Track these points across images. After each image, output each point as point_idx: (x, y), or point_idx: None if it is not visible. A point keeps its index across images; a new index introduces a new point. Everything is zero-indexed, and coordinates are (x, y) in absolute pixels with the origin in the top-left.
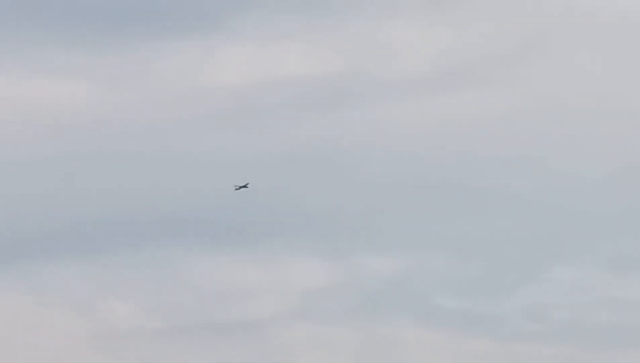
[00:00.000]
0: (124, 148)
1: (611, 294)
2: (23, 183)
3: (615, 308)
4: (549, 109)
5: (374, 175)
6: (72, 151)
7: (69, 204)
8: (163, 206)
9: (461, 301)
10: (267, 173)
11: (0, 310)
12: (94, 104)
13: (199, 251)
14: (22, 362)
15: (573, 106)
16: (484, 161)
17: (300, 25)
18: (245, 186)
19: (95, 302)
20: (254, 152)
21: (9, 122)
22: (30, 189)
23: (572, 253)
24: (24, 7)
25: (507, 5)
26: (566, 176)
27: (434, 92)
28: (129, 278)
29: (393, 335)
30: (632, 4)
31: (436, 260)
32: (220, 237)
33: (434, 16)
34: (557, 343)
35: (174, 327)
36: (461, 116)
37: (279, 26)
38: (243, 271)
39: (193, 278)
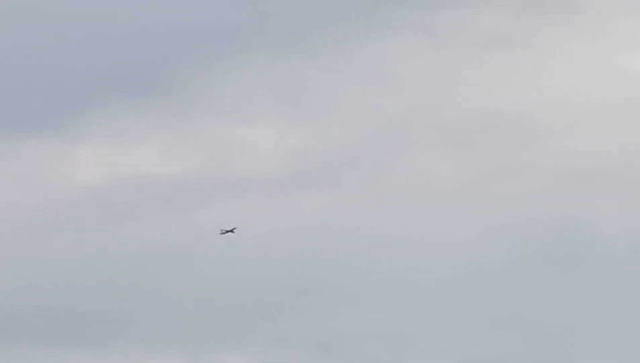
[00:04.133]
0: None
1: None
2: None
3: None
4: (402, 209)
5: (228, 272)
6: None
7: None
8: (12, 303)
9: None
10: (119, 271)
11: None
12: None
13: (49, 347)
14: None
15: (422, 207)
16: (338, 261)
17: (154, 124)
18: (231, 231)
19: None
20: (106, 251)
21: None
22: None
23: (421, 353)
24: None
25: (361, 104)
26: (415, 276)
27: (287, 191)
28: None
29: None
30: (486, 102)
31: (293, 356)
32: (71, 334)
33: (288, 116)
34: None
35: None
36: (315, 216)
37: (132, 126)
38: None
39: None
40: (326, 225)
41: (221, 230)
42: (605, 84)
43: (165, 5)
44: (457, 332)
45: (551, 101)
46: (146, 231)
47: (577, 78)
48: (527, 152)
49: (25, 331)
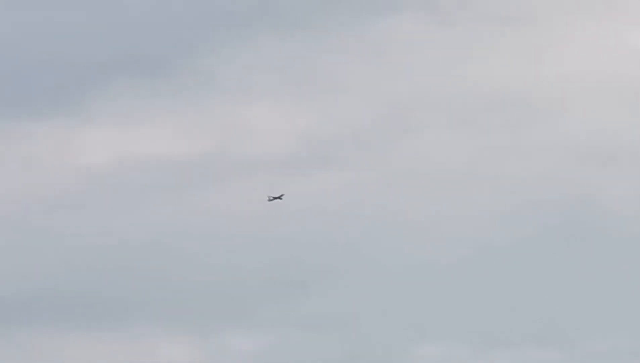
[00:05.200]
0: None
1: None
2: None
3: None
4: (410, 190)
5: (236, 255)
6: None
7: None
8: (22, 285)
9: None
10: (128, 252)
11: None
12: None
13: (63, 330)
14: None
15: (431, 188)
16: (345, 242)
17: (161, 106)
18: (279, 198)
19: None
20: (116, 231)
21: None
22: None
23: (433, 331)
24: None
25: (368, 84)
26: (424, 258)
27: (294, 172)
28: None
29: None
30: (495, 81)
31: (296, 339)
32: (82, 316)
33: (295, 96)
34: None
35: None
36: (322, 197)
37: (140, 108)
38: (106, 351)
39: (54, 356)
40: (334, 206)
41: (268, 197)
42: (615, 62)
43: None
44: (465, 314)
45: (560, 79)
46: (155, 213)
47: (586, 56)
48: (537, 131)
49: (35, 313)
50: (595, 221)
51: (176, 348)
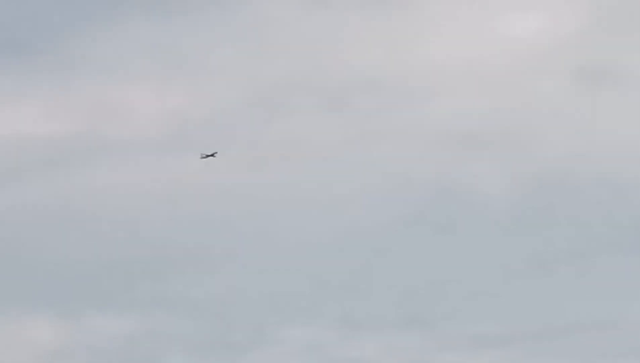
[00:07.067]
0: None
1: (341, 354)
2: None
3: None
4: (280, 172)
5: (107, 233)
6: None
7: None
8: None
9: (193, 362)
10: None
11: None
12: None
13: None
14: None
15: (301, 169)
16: (218, 222)
17: (30, 87)
18: (212, 156)
19: None
20: None
21: None
22: None
23: (301, 314)
24: None
25: (239, 66)
26: (293, 238)
27: (164, 152)
28: None
29: None
30: (367, 64)
31: (167, 321)
32: None
33: (166, 77)
34: None
35: None
36: (193, 178)
37: (8, 88)
38: None
39: None
40: (205, 187)
41: (201, 154)
42: (484, 48)
43: None
44: (338, 291)
45: (431, 64)
46: (24, 192)
47: (456, 42)
48: (407, 115)
49: None
50: (461, 202)
51: (41, 329)
